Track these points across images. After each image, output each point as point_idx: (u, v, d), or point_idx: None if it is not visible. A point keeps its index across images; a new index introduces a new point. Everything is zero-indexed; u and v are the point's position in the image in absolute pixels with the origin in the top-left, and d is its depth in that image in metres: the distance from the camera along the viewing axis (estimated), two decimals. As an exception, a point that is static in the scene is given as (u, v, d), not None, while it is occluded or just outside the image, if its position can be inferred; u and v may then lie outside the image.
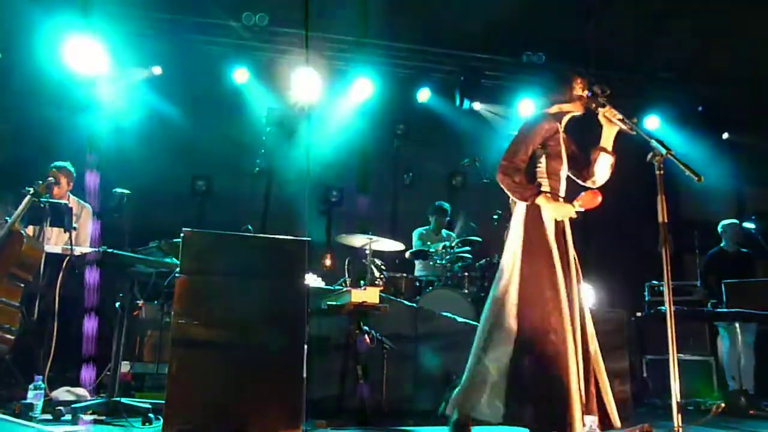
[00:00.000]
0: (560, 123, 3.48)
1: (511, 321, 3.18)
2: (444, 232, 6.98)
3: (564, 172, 3.46)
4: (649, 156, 2.98)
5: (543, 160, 3.40)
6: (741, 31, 7.17)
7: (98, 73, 7.03)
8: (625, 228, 7.74)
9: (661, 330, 2.88)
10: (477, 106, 8.42)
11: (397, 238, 6.06)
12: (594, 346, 3.27)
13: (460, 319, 5.04)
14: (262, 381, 3.29)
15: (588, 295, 6.36)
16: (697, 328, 6.28)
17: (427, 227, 7.03)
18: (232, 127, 7.67)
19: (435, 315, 4.99)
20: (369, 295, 4.18)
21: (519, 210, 3.37)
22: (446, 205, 7.03)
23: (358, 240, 5.75)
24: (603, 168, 3.49)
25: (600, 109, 3.37)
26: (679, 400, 2.77)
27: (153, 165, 6.98)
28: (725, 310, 5.76)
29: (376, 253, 5.84)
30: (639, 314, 6.54)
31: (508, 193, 3.37)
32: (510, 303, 3.21)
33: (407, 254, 6.44)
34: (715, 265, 6.60)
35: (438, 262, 6.22)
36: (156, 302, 5.38)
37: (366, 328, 4.23)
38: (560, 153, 3.41)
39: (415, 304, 5.18)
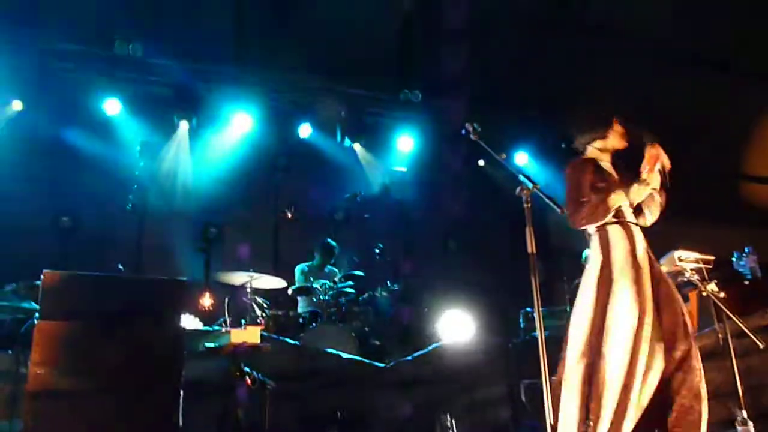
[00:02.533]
0: (601, 160, 3.58)
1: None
2: (327, 268, 6.93)
3: (626, 202, 3.48)
4: (518, 190, 3.12)
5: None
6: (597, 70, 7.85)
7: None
8: (501, 258, 8.10)
9: (536, 355, 3.00)
10: (357, 147, 8.55)
11: (279, 275, 5.95)
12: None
13: (345, 355, 5.01)
14: (133, 430, 3.07)
15: (470, 323, 6.58)
16: (568, 351, 6.60)
17: (310, 263, 6.95)
18: (102, 161, 7.25)
19: (319, 352, 4.92)
20: (250, 334, 4.05)
21: (593, 241, 3.45)
22: (334, 244, 6.98)
23: (238, 278, 5.59)
24: (650, 206, 3.53)
25: (648, 147, 3.44)
26: (553, 421, 2.88)
27: (10, 200, 6.44)
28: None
29: (258, 291, 5.70)
30: (515, 341, 6.80)
31: (590, 227, 3.42)
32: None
33: (290, 291, 6.33)
34: (581, 290, 7.00)
35: (321, 297, 6.16)
36: (10, 351, 4.88)
37: (247, 369, 4.08)
38: (610, 188, 3.45)
39: (298, 342, 5.09)
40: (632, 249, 3.40)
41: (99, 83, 7.40)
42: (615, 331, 3.23)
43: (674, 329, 3.24)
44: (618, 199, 3.40)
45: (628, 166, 3.58)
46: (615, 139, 3.59)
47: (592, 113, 3.71)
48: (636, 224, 3.49)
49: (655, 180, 3.48)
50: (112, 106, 7.38)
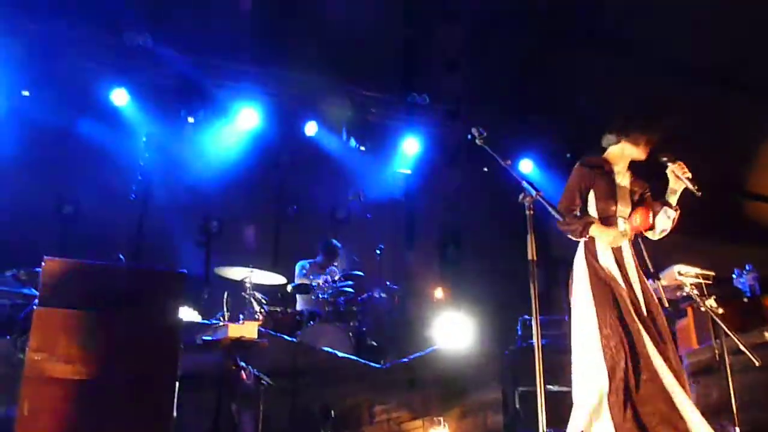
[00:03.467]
0: (615, 163, 3.55)
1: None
2: (329, 268, 6.91)
3: (621, 211, 3.49)
4: (521, 197, 3.12)
5: (592, 201, 3.49)
6: (602, 79, 7.87)
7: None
8: (500, 265, 8.10)
9: (532, 362, 3.00)
10: (362, 148, 8.54)
11: (279, 271, 5.95)
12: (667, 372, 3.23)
13: (340, 354, 5.01)
14: (127, 420, 3.08)
15: (467, 328, 6.58)
16: (565, 360, 6.59)
17: (311, 260, 6.95)
18: (107, 150, 7.26)
19: (315, 350, 4.93)
20: (247, 329, 4.05)
21: (579, 248, 3.49)
22: (338, 245, 6.97)
23: (237, 273, 5.59)
24: (662, 221, 3.50)
25: (670, 164, 3.41)
26: (546, 429, 2.88)
27: (13, 186, 6.45)
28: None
29: (257, 287, 5.71)
30: (512, 347, 6.80)
31: (570, 237, 3.47)
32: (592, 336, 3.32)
33: (289, 288, 6.34)
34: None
35: (320, 296, 6.16)
36: (8, 337, 4.89)
37: (243, 363, 4.09)
38: (612, 193, 3.47)
39: (295, 339, 5.09)
40: (619, 259, 3.43)
41: (107, 72, 7.41)
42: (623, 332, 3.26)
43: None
44: (597, 232, 3.40)
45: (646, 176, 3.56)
46: (638, 149, 3.51)
47: (633, 113, 3.63)
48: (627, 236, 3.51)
49: (674, 197, 3.47)
50: (119, 96, 7.39)
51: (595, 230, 3.40)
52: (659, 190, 3.57)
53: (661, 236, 3.55)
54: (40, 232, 6.77)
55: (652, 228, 3.54)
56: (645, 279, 3.47)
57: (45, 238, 6.70)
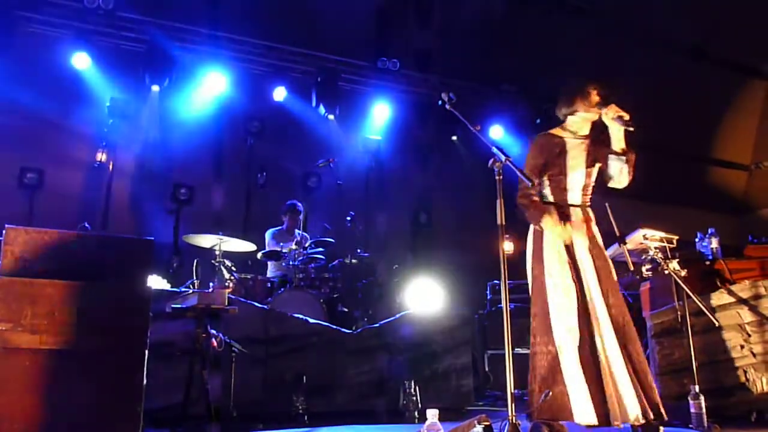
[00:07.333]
0: (575, 132, 3.55)
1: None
2: (297, 232, 6.92)
3: (573, 181, 3.52)
4: (490, 162, 3.13)
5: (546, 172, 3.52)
6: (572, 47, 7.90)
7: None
8: (471, 230, 8.17)
9: (501, 326, 3.05)
10: (331, 117, 8.44)
11: (249, 239, 5.92)
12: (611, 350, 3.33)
13: (312, 321, 5.03)
14: (96, 390, 3.05)
15: (438, 293, 6.66)
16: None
17: (279, 227, 6.93)
18: (70, 116, 7.05)
19: (286, 317, 4.94)
20: (217, 297, 4.02)
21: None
22: (299, 205, 6.96)
23: (207, 240, 5.54)
24: (613, 169, 3.50)
25: (603, 110, 3.39)
26: (514, 391, 2.94)
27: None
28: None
29: (227, 254, 5.67)
30: (481, 311, 6.92)
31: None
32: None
33: (259, 255, 6.31)
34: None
35: (291, 263, 6.15)
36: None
37: (213, 331, 4.08)
38: (562, 163, 3.48)
39: (266, 306, 5.09)
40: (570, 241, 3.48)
41: (67, 36, 7.16)
42: (558, 309, 3.45)
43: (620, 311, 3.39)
44: (548, 225, 3.45)
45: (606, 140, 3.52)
46: (591, 111, 3.50)
47: (569, 84, 3.63)
48: (578, 206, 3.54)
49: (618, 142, 3.44)
50: (80, 60, 7.16)
51: (545, 223, 3.45)
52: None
53: (625, 182, 3.53)
54: (3, 201, 6.61)
55: (608, 180, 3.56)
56: (600, 254, 3.51)
57: (8, 207, 6.54)
